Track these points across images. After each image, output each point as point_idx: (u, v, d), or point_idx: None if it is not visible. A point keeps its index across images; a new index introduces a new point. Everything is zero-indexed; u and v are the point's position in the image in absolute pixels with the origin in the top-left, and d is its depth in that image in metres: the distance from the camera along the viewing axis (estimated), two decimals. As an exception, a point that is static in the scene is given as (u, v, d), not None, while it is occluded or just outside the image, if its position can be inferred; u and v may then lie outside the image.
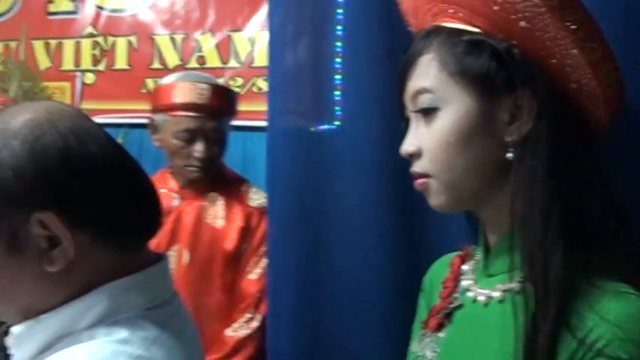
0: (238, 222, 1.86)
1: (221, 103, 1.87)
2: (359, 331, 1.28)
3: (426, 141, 0.83)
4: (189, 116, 1.83)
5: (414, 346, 0.96)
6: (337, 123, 1.39)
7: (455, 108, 0.81)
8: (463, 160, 0.81)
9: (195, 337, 0.93)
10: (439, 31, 0.85)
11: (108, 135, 0.85)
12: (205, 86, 1.85)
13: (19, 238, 0.76)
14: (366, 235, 1.29)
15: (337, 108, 1.41)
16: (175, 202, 1.90)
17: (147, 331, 0.79)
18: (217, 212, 1.88)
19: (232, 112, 1.96)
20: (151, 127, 1.96)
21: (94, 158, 0.79)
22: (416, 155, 0.85)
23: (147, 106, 3.07)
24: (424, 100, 0.83)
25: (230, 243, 1.85)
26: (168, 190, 1.91)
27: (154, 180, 1.92)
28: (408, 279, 1.19)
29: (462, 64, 0.81)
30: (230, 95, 1.98)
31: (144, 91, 3.14)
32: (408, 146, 0.85)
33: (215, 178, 1.92)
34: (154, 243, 1.74)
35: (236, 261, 1.84)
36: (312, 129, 1.40)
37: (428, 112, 0.83)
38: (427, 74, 0.83)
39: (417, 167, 0.85)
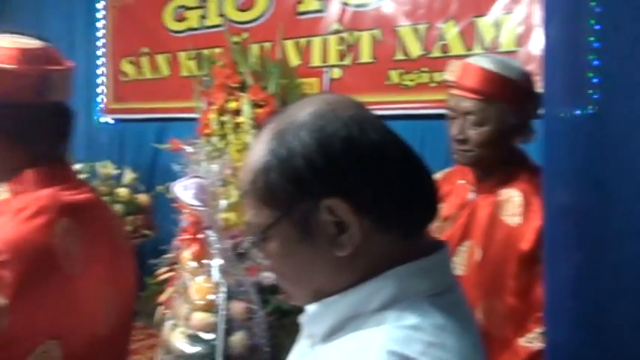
0: (537, 221, 1.61)
1: (477, 83, 1.72)
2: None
3: None
4: (450, 94, 1.78)
5: None
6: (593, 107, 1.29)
7: None
8: None
9: (477, 329, 0.90)
10: None
11: (384, 122, 0.86)
12: (458, 63, 1.78)
13: (310, 224, 0.80)
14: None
15: (593, 91, 1.30)
16: (471, 196, 1.78)
17: (435, 318, 0.78)
18: (514, 209, 1.71)
19: (503, 98, 1.73)
20: None
21: (375, 145, 0.81)
22: None
23: (391, 98, 3.15)
24: None
25: (526, 243, 1.64)
26: (466, 182, 1.82)
27: (455, 171, 1.90)
28: None
29: None
30: (498, 79, 1.74)
31: (388, 82, 3.19)
32: None
33: (514, 172, 1.75)
34: (446, 235, 1.72)
35: (532, 264, 1.60)
36: (562, 115, 1.31)
37: None
38: None
39: None
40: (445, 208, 1.79)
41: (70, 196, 1.18)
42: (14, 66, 1.12)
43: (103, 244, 1.24)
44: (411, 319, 0.77)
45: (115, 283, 1.26)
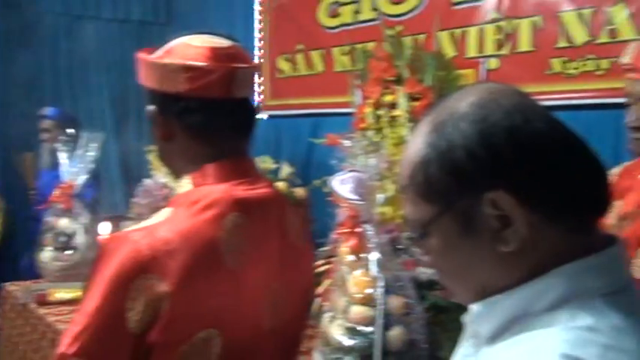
0: None
1: None
2: None
3: None
4: (626, 78, 1.67)
5: None
6: None
7: None
8: None
9: None
10: None
11: (551, 112, 0.82)
12: (635, 45, 1.66)
13: (472, 218, 0.78)
14: None
15: None
16: None
17: (612, 319, 0.73)
18: None
19: None
20: None
21: (541, 135, 0.77)
22: None
23: (552, 88, 3.00)
24: None
25: None
26: None
27: (636, 164, 1.77)
28: None
29: None
30: None
31: (549, 72, 3.03)
32: None
33: None
34: (626, 235, 1.59)
35: None
36: None
37: None
38: None
39: None
40: (624, 205, 1.67)
41: (244, 191, 1.22)
42: (204, 63, 1.18)
43: (273, 240, 1.27)
44: (586, 319, 0.73)
45: (283, 279, 1.28)
